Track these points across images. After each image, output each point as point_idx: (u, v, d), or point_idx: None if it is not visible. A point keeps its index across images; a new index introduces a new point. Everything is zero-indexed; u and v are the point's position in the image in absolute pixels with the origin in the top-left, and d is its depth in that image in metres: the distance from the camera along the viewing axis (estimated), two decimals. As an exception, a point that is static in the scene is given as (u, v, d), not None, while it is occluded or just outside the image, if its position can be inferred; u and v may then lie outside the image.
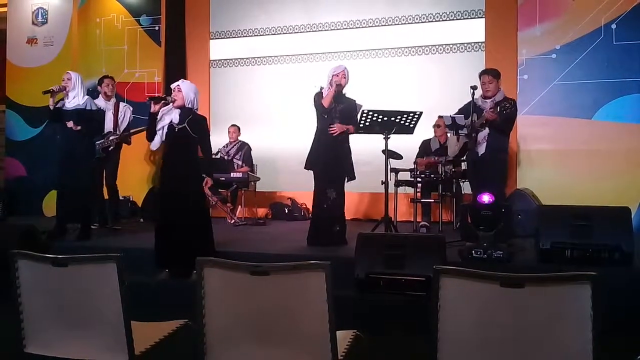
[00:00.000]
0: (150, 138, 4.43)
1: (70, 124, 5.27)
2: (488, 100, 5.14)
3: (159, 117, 4.37)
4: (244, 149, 7.38)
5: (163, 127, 4.36)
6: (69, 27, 8.43)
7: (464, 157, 5.55)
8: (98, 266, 2.06)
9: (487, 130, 5.06)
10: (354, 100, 5.10)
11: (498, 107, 4.94)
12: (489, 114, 4.93)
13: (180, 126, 4.31)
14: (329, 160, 4.91)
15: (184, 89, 4.33)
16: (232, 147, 7.41)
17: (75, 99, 5.35)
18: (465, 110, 5.13)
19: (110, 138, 6.14)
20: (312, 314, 1.86)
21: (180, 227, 4.23)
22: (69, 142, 5.37)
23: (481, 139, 5.08)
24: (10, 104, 8.55)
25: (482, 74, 5.26)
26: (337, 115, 4.94)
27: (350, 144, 5.06)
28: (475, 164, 5.15)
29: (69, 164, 5.33)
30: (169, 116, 4.35)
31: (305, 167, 5.05)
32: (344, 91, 5.00)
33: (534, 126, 6.69)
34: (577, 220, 4.05)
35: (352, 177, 5.06)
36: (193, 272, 2.15)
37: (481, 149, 5.09)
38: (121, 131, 6.29)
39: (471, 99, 4.96)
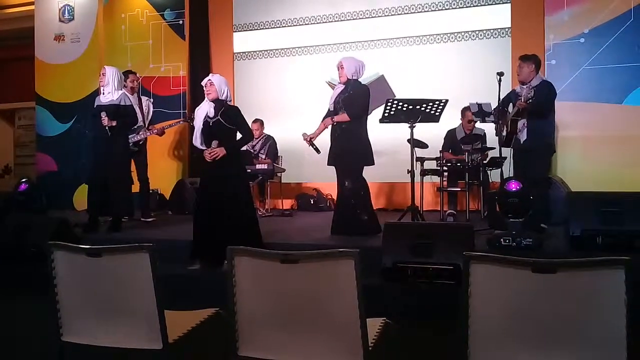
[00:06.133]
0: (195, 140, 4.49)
1: (105, 120, 5.30)
2: (524, 87, 5.01)
3: (194, 114, 4.45)
4: (269, 143, 7.38)
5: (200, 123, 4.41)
6: (95, 24, 8.54)
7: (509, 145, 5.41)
8: (131, 256, 2.10)
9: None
10: (365, 86, 5.03)
11: (522, 97, 4.85)
12: (519, 102, 4.85)
13: (214, 119, 4.34)
14: (339, 152, 4.93)
15: (216, 81, 4.36)
16: (257, 142, 7.42)
17: (110, 94, 5.41)
18: (505, 100, 5.06)
19: (140, 132, 6.22)
20: (342, 301, 1.87)
21: (228, 227, 4.19)
22: (103, 137, 5.38)
23: (521, 126, 4.96)
24: (40, 101, 8.72)
25: (518, 59, 5.18)
26: (340, 105, 4.94)
27: (367, 133, 4.97)
28: (519, 152, 5.02)
29: (104, 159, 5.38)
30: (202, 111, 4.39)
31: (327, 164, 5.08)
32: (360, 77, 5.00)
33: (563, 112, 6.51)
34: (608, 206, 3.98)
35: (369, 163, 4.98)
36: (224, 262, 2.17)
37: (523, 136, 4.98)
38: (147, 124, 6.38)
39: (498, 86, 4.90)
